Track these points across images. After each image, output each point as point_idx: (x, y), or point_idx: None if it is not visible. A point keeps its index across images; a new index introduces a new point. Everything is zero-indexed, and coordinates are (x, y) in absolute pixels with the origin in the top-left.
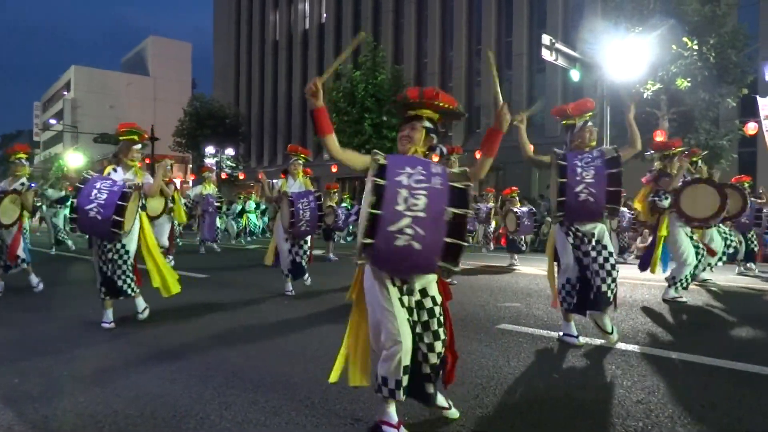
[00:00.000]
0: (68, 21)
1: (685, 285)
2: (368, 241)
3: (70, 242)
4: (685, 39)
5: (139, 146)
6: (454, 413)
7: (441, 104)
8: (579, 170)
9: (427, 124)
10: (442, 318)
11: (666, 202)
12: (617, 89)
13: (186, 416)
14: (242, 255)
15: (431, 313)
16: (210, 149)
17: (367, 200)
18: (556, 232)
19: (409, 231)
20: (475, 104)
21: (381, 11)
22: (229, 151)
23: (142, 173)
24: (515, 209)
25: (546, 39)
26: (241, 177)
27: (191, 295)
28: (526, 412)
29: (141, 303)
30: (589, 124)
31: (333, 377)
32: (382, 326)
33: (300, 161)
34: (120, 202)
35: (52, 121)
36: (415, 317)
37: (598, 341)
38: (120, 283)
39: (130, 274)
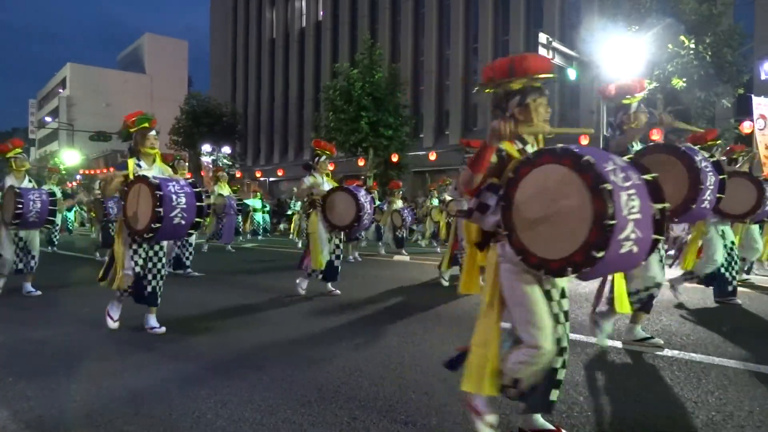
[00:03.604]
0: (63, 19)
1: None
2: (600, 254)
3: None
4: (681, 38)
5: (154, 132)
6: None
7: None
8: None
9: None
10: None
11: None
12: None
13: (182, 415)
14: (240, 254)
15: (567, 315)
16: (206, 147)
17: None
18: None
19: (633, 236)
20: (471, 103)
21: (378, 9)
22: (226, 149)
23: (162, 163)
24: None
25: (543, 37)
26: (238, 175)
27: (187, 293)
28: (520, 408)
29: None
30: (642, 105)
31: (470, 386)
32: (529, 327)
33: (328, 159)
34: (199, 204)
35: (48, 119)
36: (562, 319)
37: (591, 339)
38: (151, 288)
39: (162, 281)
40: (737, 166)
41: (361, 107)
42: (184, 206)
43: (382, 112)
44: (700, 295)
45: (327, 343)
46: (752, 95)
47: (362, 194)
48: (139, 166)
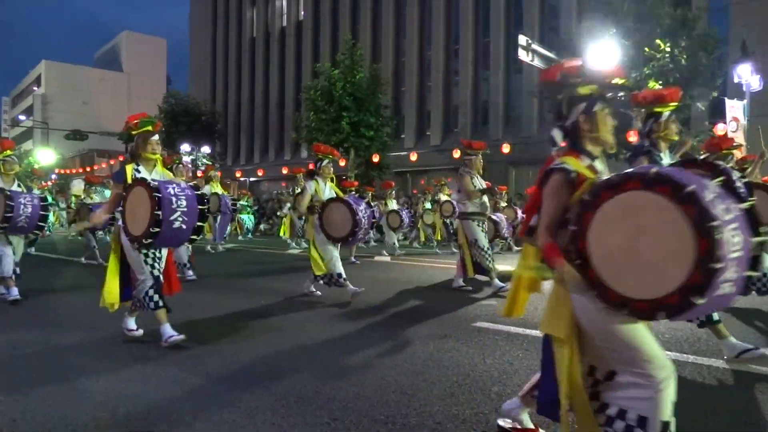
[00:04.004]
0: (37, 16)
1: None
2: (701, 301)
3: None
4: (657, 41)
5: (156, 137)
6: None
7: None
8: None
9: None
10: None
11: None
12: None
13: (160, 418)
14: (222, 255)
15: None
16: (185, 147)
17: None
18: None
19: (733, 276)
20: (452, 104)
21: (359, 10)
22: (205, 149)
23: (163, 169)
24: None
25: (522, 40)
26: (218, 175)
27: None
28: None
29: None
30: (674, 115)
31: None
32: (635, 366)
33: (331, 163)
34: (201, 207)
35: (22, 117)
36: None
37: None
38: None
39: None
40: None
41: (342, 107)
42: (185, 209)
43: (363, 113)
44: None
45: (306, 344)
46: (725, 98)
47: (361, 208)
48: (137, 171)
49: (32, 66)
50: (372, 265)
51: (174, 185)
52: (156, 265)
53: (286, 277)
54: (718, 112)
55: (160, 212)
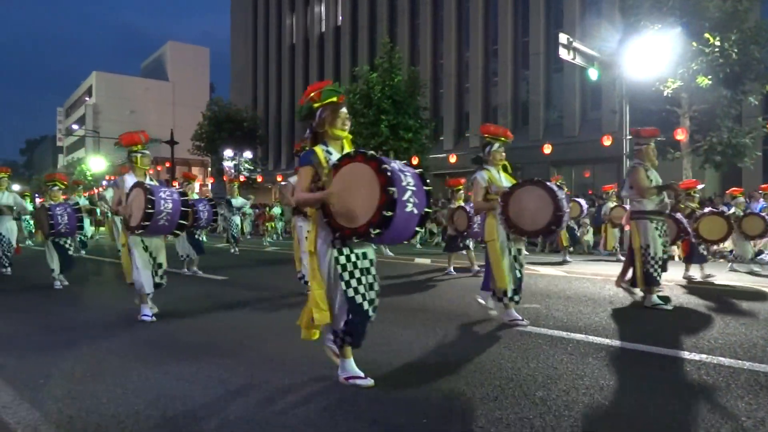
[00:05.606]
0: (86, 29)
1: None
2: None
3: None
4: (706, 35)
5: (345, 110)
6: None
7: None
8: None
9: None
10: None
11: None
12: (636, 88)
13: (206, 417)
14: (260, 257)
15: None
16: (228, 152)
17: None
18: None
19: None
20: (492, 105)
21: (397, 13)
22: (247, 154)
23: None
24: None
25: (563, 38)
26: (259, 180)
27: (212, 296)
28: (545, 413)
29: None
30: None
31: None
32: None
33: (502, 147)
34: (427, 188)
35: (75, 127)
36: None
37: (618, 342)
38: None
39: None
40: None
41: (381, 110)
42: (414, 188)
43: (402, 115)
44: (729, 298)
45: None
46: None
47: (556, 188)
48: (329, 153)
49: (84, 77)
50: (417, 267)
51: (388, 159)
52: (353, 278)
53: None
54: None
55: (394, 188)
